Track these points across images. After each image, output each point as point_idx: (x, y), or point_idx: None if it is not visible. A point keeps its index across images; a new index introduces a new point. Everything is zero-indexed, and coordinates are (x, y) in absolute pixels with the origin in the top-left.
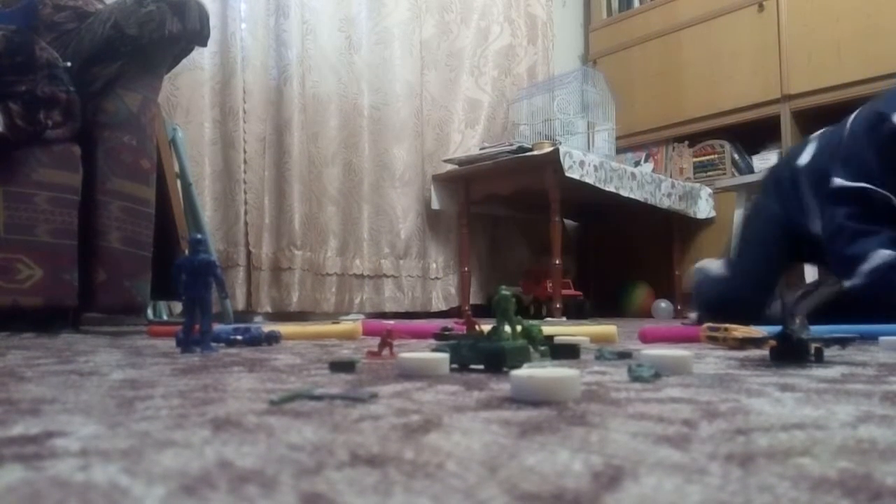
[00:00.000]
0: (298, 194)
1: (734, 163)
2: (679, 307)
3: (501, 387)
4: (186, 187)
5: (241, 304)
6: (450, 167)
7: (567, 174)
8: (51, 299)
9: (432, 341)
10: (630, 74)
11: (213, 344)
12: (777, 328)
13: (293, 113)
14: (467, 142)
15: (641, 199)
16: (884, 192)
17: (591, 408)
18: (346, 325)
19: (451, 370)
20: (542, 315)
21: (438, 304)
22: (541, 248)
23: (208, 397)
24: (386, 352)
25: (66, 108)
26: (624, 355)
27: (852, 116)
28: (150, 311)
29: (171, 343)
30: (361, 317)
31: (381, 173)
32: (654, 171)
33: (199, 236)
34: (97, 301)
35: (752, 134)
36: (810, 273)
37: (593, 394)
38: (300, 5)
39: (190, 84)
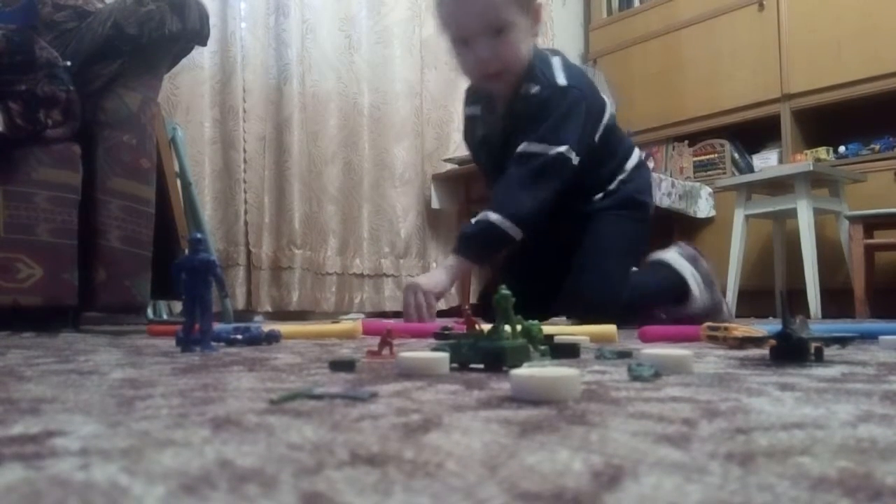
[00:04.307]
0: (298, 193)
1: (734, 162)
2: None
3: (501, 386)
4: (186, 186)
5: (241, 304)
6: (450, 166)
7: None
8: (51, 298)
9: (432, 340)
10: (630, 73)
11: (213, 343)
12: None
13: (293, 112)
14: None
15: None
16: None
17: (591, 407)
18: (346, 325)
19: (451, 369)
20: None
21: (438, 304)
22: None
23: (208, 396)
24: (386, 351)
25: (65, 108)
26: (624, 354)
27: None
28: (149, 311)
29: (170, 342)
30: (361, 316)
31: (381, 172)
32: (653, 170)
33: (198, 235)
34: (97, 300)
35: (753, 133)
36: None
37: (593, 393)
38: (300, 4)
39: (190, 83)
